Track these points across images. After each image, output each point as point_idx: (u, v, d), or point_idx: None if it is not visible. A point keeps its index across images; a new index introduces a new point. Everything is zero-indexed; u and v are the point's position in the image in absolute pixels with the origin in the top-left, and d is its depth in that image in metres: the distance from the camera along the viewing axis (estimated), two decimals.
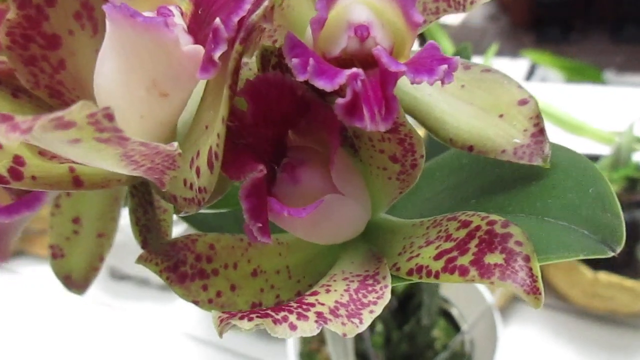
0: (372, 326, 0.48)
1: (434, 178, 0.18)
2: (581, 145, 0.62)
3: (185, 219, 0.16)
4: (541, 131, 0.13)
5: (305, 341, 0.49)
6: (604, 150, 0.57)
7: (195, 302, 0.14)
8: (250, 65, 0.14)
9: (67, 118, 0.08)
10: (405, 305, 0.48)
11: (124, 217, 0.53)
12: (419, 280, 0.12)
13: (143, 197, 0.14)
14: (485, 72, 0.14)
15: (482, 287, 0.46)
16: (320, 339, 0.49)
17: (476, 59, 0.75)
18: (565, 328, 0.55)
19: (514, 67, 1.11)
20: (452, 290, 0.49)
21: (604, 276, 0.51)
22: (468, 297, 0.48)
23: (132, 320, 0.65)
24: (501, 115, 0.14)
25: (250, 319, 0.10)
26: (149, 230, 0.14)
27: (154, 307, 0.66)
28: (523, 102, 0.14)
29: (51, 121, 0.08)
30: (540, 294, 0.10)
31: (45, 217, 0.63)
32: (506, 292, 0.56)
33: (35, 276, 0.73)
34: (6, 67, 0.12)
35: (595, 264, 0.52)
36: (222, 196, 0.14)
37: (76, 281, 0.19)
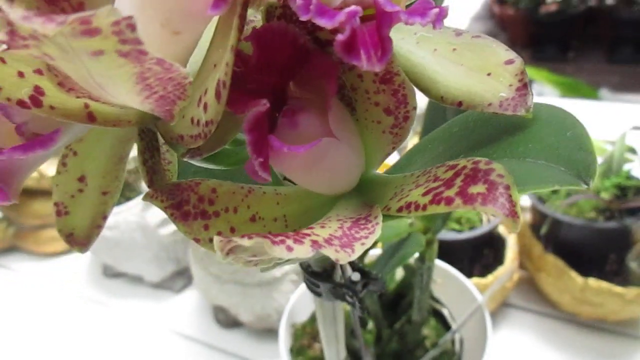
0: (363, 324, 0.48)
1: (425, 150, 0.19)
2: None
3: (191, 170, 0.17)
4: (525, 85, 0.14)
5: (296, 337, 0.49)
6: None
7: (197, 240, 0.14)
8: (256, 22, 0.15)
9: (95, 24, 0.09)
10: (397, 304, 0.49)
11: (117, 214, 0.53)
12: (408, 215, 0.13)
13: (150, 141, 0.15)
14: (475, 37, 0.16)
15: (472, 288, 0.47)
16: (311, 336, 0.50)
17: None
18: (554, 334, 0.56)
19: None
20: (443, 290, 0.50)
21: (593, 282, 0.52)
22: (459, 298, 0.48)
23: (125, 318, 0.66)
24: (489, 74, 0.15)
25: (250, 238, 0.11)
26: (155, 172, 0.15)
27: (147, 305, 0.67)
28: (509, 62, 0.15)
29: (80, 22, 0.09)
30: (517, 217, 0.11)
31: (38, 213, 0.63)
32: (498, 299, 0.56)
33: (29, 272, 0.74)
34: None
35: (586, 272, 0.53)
36: (222, 147, 0.15)
37: (78, 238, 0.20)
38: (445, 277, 0.50)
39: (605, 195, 0.53)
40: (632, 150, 0.55)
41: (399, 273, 0.49)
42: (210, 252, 0.15)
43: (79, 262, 0.74)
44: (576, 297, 0.53)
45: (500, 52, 0.15)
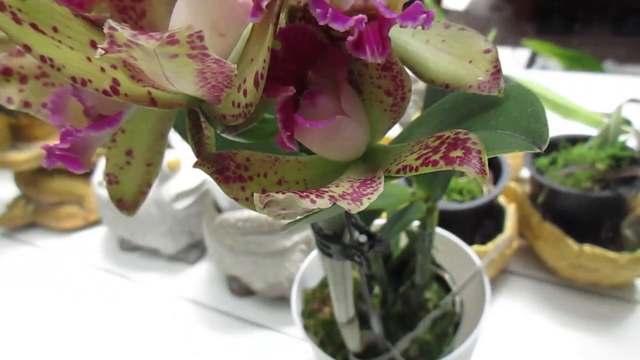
0: (370, 289, 0.53)
1: (424, 123, 0.23)
2: (574, 128, 0.67)
3: (227, 142, 0.21)
4: (498, 71, 0.18)
5: (307, 302, 0.54)
6: (595, 132, 0.62)
7: (236, 199, 0.18)
8: (280, 21, 0.19)
9: (177, 36, 0.13)
10: (401, 269, 0.53)
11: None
12: (405, 175, 0.17)
13: (195, 120, 0.19)
14: (461, 29, 0.19)
15: (472, 254, 0.51)
16: (321, 300, 0.54)
17: None
18: (551, 298, 0.60)
19: (515, 55, 1.15)
20: (445, 257, 0.54)
21: (588, 249, 0.56)
22: (460, 264, 0.52)
23: (143, 288, 0.70)
24: (470, 61, 0.18)
25: (283, 193, 0.15)
26: (200, 145, 0.19)
27: (163, 276, 0.71)
28: (487, 51, 0.18)
29: (167, 36, 0.12)
30: (485, 174, 0.15)
31: (56, 191, 0.67)
32: (497, 266, 0.60)
33: (48, 247, 0.79)
34: (101, 15, 0.17)
35: (582, 239, 0.57)
36: (255, 123, 0.19)
37: (127, 204, 0.24)
38: (447, 244, 0.54)
39: (600, 166, 0.57)
40: (628, 123, 0.58)
41: (403, 241, 0.53)
42: (247, 206, 0.19)
43: (97, 237, 0.79)
44: (572, 263, 0.57)
45: (480, 42, 0.19)
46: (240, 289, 0.67)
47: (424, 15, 0.15)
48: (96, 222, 0.81)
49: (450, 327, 0.50)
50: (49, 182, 0.76)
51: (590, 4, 1.61)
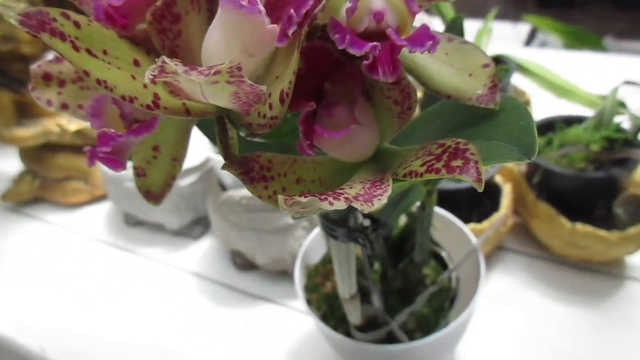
0: (370, 264, 0.56)
1: (426, 122, 0.26)
2: (571, 109, 0.69)
3: (246, 145, 0.23)
4: (495, 85, 0.20)
5: (309, 277, 0.57)
6: (592, 112, 0.64)
7: (259, 197, 0.21)
8: None
9: (220, 68, 0.15)
10: (401, 247, 0.57)
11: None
12: (411, 180, 0.19)
13: (222, 126, 0.21)
14: (463, 43, 0.22)
15: (468, 232, 0.54)
16: (323, 275, 0.57)
17: (478, 23, 0.81)
18: (545, 274, 0.64)
19: (516, 30, 1.16)
20: (442, 235, 0.57)
21: (580, 227, 0.59)
22: (456, 242, 0.56)
23: (148, 262, 0.74)
24: (470, 74, 0.21)
25: (306, 196, 0.18)
26: (227, 148, 0.21)
27: (168, 250, 0.75)
28: (486, 66, 0.21)
29: (214, 70, 0.15)
30: (481, 182, 0.18)
31: (62, 166, 0.70)
32: (492, 243, 0.64)
33: (55, 222, 0.81)
34: (144, 34, 0.19)
35: (576, 218, 0.60)
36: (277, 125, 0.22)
37: (154, 194, 0.27)
38: (445, 223, 0.57)
39: (594, 147, 0.60)
40: (622, 105, 0.61)
41: (403, 219, 0.56)
42: (270, 202, 0.21)
43: (102, 212, 0.82)
44: (565, 240, 0.61)
45: (480, 57, 0.21)
46: (243, 263, 0.70)
47: (431, 42, 0.18)
48: (101, 197, 0.84)
49: (446, 302, 0.53)
50: (54, 158, 0.78)
51: None
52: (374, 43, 0.17)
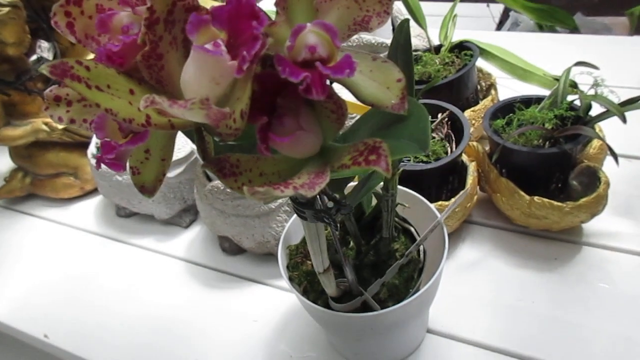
0: (346, 243, 0.64)
1: (365, 122, 0.34)
2: (529, 89, 0.77)
3: (221, 147, 0.31)
4: (404, 96, 0.28)
5: (291, 256, 0.65)
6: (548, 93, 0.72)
7: (231, 188, 0.29)
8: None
9: (194, 101, 0.22)
10: (373, 225, 0.65)
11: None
12: (342, 172, 0.27)
13: (200, 135, 0.29)
14: (384, 62, 0.29)
15: (434, 209, 0.62)
16: (303, 255, 0.65)
17: (446, 5, 0.88)
18: (508, 243, 0.72)
19: (490, 10, 1.23)
20: (411, 212, 0.65)
21: (537, 199, 0.67)
22: (424, 218, 0.63)
23: (140, 251, 0.81)
24: (388, 87, 0.28)
25: (263, 187, 0.25)
26: (205, 152, 0.29)
27: (159, 239, 0.82)
28: (399, 80, 0.28)
29: (190, 102, 0.22)
30: (389, 171, 0.25)
31: (52, 163, 0.77)
32: (460, 217, 0.72)
33: (48, 216, 0.89)
34: (136, 66, 0.26)
35: (535, 191, 0.68)
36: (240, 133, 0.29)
37: (148, 189, 0.34)
38: (413, 201, 0.65)
39: (548, 126, 0.68)
40: (574, 85, 0.69)
41: (375, 201, 0.64)
42: (239, 192, 0.29)
43: (93, 205, 0.89)
44: (524, 212, 0.69)
45: (396, 73, 0.29)
46: (231, 248, 0.78)
47: (349, 70, 0.25)
48: (92, 192, 0.91)
49: (415, 273, 0.62)
50: (44, 155, 0.85)
51: None
52: (306, 73, 0.25)
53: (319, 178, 0.27)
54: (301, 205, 0.43)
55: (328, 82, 0.27)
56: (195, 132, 0.29)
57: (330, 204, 0.44)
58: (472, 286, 0.69)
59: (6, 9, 0.77)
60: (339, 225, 0.43)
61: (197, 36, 0.25)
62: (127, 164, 0.35)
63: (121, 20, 0.27)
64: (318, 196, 0.44)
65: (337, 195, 0.45)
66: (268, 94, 0.27)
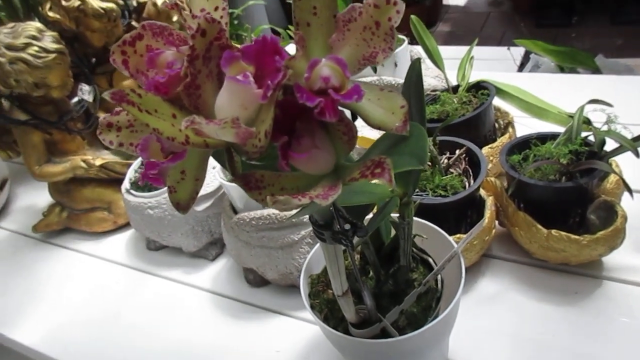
0: (366, 272, 0.68)
1: (378, 144, 0.39)
2: (546, 127, 0.81)
3: (247, 166, 0.36)
4: (406, 120, 0.33)
5: (312, 285, 0.69)
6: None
7: (255, 199, 0.34)
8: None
9: (227, 120, 0.28)
10: (392, 255, 0.69)
11: (159, 196, 0.74)
12: (350, 183, 0.32)
13: (230, 154, 0.34)
14: (389, 91, 0.35)
15: (452, 240, 0.66)
16: (324, 284, 0.70)
17: (476, 48, 0.93)
18: (527, 277, 0.75)
19: (512, 52, 1.29)
20: (429, 244, 0.69)
21: (555, 232, 0.71)
22: (441, 249, 0.67)
23: (169, 283, 0.86)
24: (393, 113, 0.33)
25: (283, 196, 0.30)
26: (234, 168, 0.34)
27: (187, 271, 0.88)
28: (402, 106, 0.34)
29: (223, 122, 0.28)
30: (392, 182, 0.30)
31: (88, 198, 0.85)
32: (478, 250, 0.75)
33: (82, 249, 0.95)
34: (178, 95, 0.32)
35: (553, 225, 0.72)
36: (265, 154, 0.35)
37: (182, 205, 0.40)
38: (431, 233, 0.69)
39: (564, 161, 0.72)
40: (588, 122, 0.73)
41: (394, 232, 0.68)
42: (262, 204, 0.34)
43: (125, 239, 0.96)
44: (542, 245, 0.72)
45: (399, 101, 0.34)
46: (255, 279, 0.83)
47: (357, 96, 0.31)
48: (124, 226, 0.97)
49: (433, 302, 0.65)
50: (81, 191, 0.92)
51: None
52: (320, 99, 0.30)
53: (331, 190, 0.32)
54: (320, 227, 0.48)
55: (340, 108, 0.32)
56: (226, 152, 0.34)
57: (346, 226, 0.49)
58: (492, 319, 0.71)
59: (53, 55, 0.86)
60: (357, 252, 0.47)
61: (229, 69, 0.31)
62: (166, 183, 0.41)
63: (166, 58, 0.34)
64: (336, 219, 0.49)
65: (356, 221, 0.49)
66: (288, 118, 0.33)
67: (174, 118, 0.32)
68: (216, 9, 0.36)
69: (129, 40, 0.34)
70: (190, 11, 0.36)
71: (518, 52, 1.29)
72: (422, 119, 0.47)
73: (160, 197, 0.84)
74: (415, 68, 0.48)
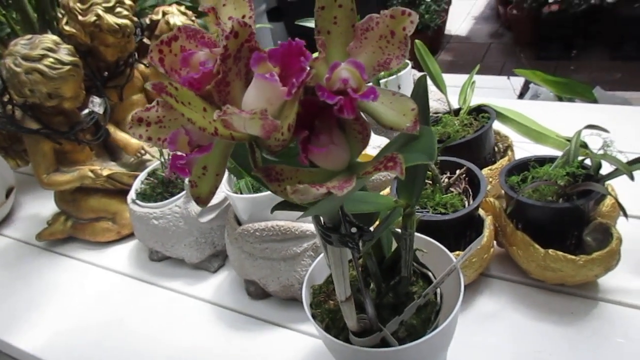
0: (367, 284, 0.71)
1: (394, 143, 0.42)
2: (544, 151, 0.85)
3: (267, 161, 0.40)
4: (417, 121, 0.37)
5: (314, 295, 0.72)
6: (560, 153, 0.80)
7: (274, 192, 0.37)
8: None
9: (256, 110, 0.31)
10: (393, 267, 0.72)
11: (163, 207, 0.77)
12: (364, 176, 0.35)
13: (252, 148, 0.38)
14: (401, 96, 0.38)
15: (451, 255, 0.69)
16: (326, 294, 0.72)
17: (479, 76, 0.98)
18: (525, 297, 0.78)
19: (512, 82, 1.34)
20: (429, 258, 0.72)
21: (552, 251, 0.74)
22: (441, 264, 0.70)
23: (171, 294, 0.89)
24: (404, 114, 0.37)
25: (302, 185, 0.34)
26: (255, 161, 0.37)
27: (189, 283, 0.90)
28: (413, 109, 0.37)
29: (253, 112, 0.31)
30: (403, 174, 0.33)
31: (93, 208, 0.88)
32: (477, 268, 0.78)
33: (85, 259, 0.98)
34: (209, 92, 0.36)
35: (550, 245, 0.75)
36: (285, 149, 0.38)
37: (202, 200, 0.43)
38: (431, 248, 0.72)
39: (561, 182, 0.75)
40: (585, 146, 0.77)
41: (395, 245, 0.72)
42: (282, 195, 0.37)
43: (128, 249, 0.98)
44: (540, 265, 0.75)
45: (410, 104, 0.38)
46: (256, 292, 0.85)
47: (373, 96, 0.34)
48: (128, 237, 1.00)
49: (432, 315, 0.68)
50: (87, 200, 0.95)
51: (587, 30, 1.82)
52: (340, 97, 0.34)
53: (346, 183, 0.36)
54: (327, 230, 0.51)
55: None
56: (248, 146, 0.38)
57: (353, 230, 0.52)
58: (490, 337, 0.74)
59: (68, 67, 0.90)
60: (361, 261, 0.50)
61: (257, 68, 0.35)
62: (186, 179, 0.44)
63: (199, 58, 0.37)
64: (344, 223, 0.52)
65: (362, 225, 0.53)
66: (308, 116, 0.36)
67: (204, 111, 0.35)
68: (243, 17, 0.41)
69: (166, 40, 0.38)
70: (218, 19, 0.40)
71: (518, 82, 1.35)
72: (427, 125, 0.51)
73: (165, 207, 0.88)
74: (421, 83, 0.52)
